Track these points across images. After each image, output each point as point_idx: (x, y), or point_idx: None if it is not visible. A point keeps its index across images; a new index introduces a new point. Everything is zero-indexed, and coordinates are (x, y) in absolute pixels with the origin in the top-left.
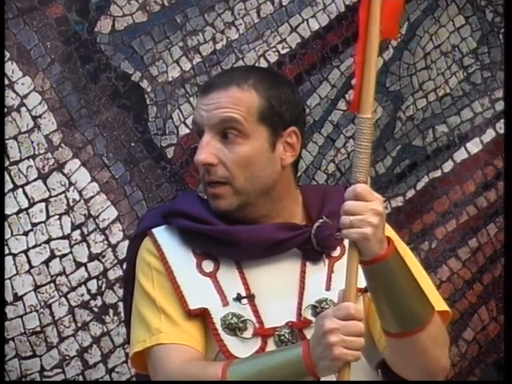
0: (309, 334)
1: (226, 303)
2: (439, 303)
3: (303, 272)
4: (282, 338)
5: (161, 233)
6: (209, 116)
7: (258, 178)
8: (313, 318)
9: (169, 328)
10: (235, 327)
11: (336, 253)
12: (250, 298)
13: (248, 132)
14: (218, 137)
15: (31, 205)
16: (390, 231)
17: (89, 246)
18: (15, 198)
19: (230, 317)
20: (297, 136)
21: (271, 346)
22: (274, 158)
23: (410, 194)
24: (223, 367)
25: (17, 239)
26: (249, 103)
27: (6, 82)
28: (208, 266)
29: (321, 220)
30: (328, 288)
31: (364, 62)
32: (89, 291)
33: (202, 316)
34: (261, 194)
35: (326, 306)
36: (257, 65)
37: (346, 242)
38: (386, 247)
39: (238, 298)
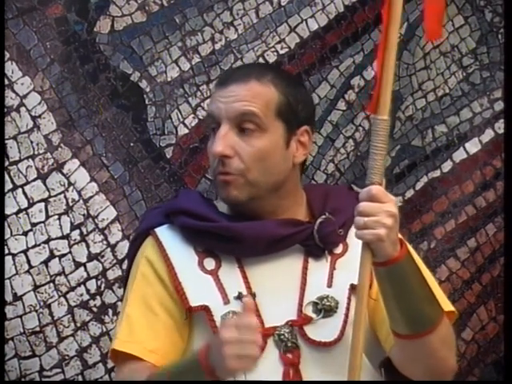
0: (309, 330)
1: (226, 301)
2: (445, 304)
3: (305, 268)
4: (282, 337)
5: (163, 232)
6: (227, 108)
7: (272, 173)
8: (314, 315)
9: (124, 335)
10: None
11: (338, 250)
12: (251, 296)
13: (266, 126)
14: (236, 129)
15: (30, 205)
16: None
17: (88, 246)
18: (15, 198)
19: (230, 315)
20: (309, 135)
21: (271, 345)
22: (288, 155)
23: (409, 194)
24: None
25: (16, 239)
26: (268, 97)
27: (6, 81)
28: (209, 263)
29: (323, 216)
30: (329, 285)
31: (383, 64)
32: (88, 291)
33: (192, 318)
34: (271, 189)
35: (327, 303)
36: None
37: (349, 240)
38: (399, 249)
39: (239, 297)
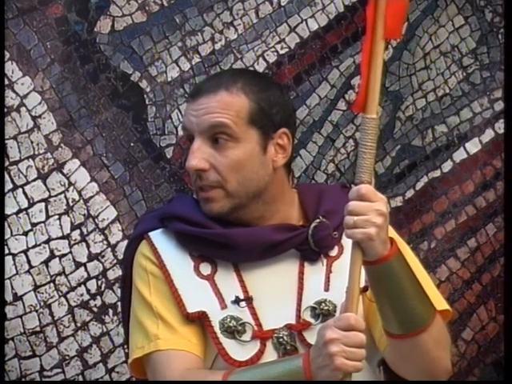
0: (308, 335)
1: (224, 306)
2: (440, 302)
3: (301, 273)
4: (281, 340)
5: (157, 236)
6: (198, 121)
7: (251, 181)
8: (312, 320)
9: (167, 334)
10: (234, 330)
11: (334, 252)
12: (249, 300)
13: (238, 136)
14: (209, 142)
15: (31, 205)
16: (390, 231)
17: (88, 246)
18: (15, 198)
19: (228, 320)
20: (288, 137)
21: (270, 348)
22: (266, 160)
23: (410, 194)
24: (224, 376)
25: (16, 239)
26: (238, 107)
27: (6, 82)
28: (205, 268)
29: (317, 220)
30: (327, 288)
31: (370, 62)
32: (88, 291)
33: (200, 319)
34: (253, 197)
35: (325, 307)
36: (256, 65)
37: (344, 241)
38: (389, 248)
39: (237, 301)
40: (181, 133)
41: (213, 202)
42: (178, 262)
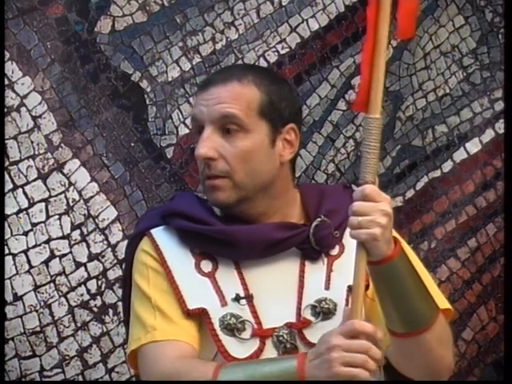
0: (308, 334)
1: (224, 303)
2: (442, 301)
3: (302, 271)
4: (281, 338)
5: (159, 233)
6: (209, 111)
7: (258, 172)
8: (312, 318)
9: (164, 325)
10: (233, 328)
11: (335, 251)
12: (249, 298)
13: (249, 127)
14: (219, 131)
15: (31, 205)
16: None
17: (88, 246)
18: (15, 198)
19: (228, 317)
20: (295, 133)
21: (270, 346)
22: (274, 154)
23: (410, 193)
24: (216, 368)
25: (17, 239)
26: (249, 97)
27: (6, 82)
28: (206, 266)
29: (319, 219)
30: (327, 287)
31: (372, 61)
32: (88, 291)
33: (199, 316)
34: (259, 190)
35: (326, 306)
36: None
37: (345, 241)
38: (393, 247)
39: (237, 299)
40: (181, 133)
41: (219, 191)
42: (180, 259)
